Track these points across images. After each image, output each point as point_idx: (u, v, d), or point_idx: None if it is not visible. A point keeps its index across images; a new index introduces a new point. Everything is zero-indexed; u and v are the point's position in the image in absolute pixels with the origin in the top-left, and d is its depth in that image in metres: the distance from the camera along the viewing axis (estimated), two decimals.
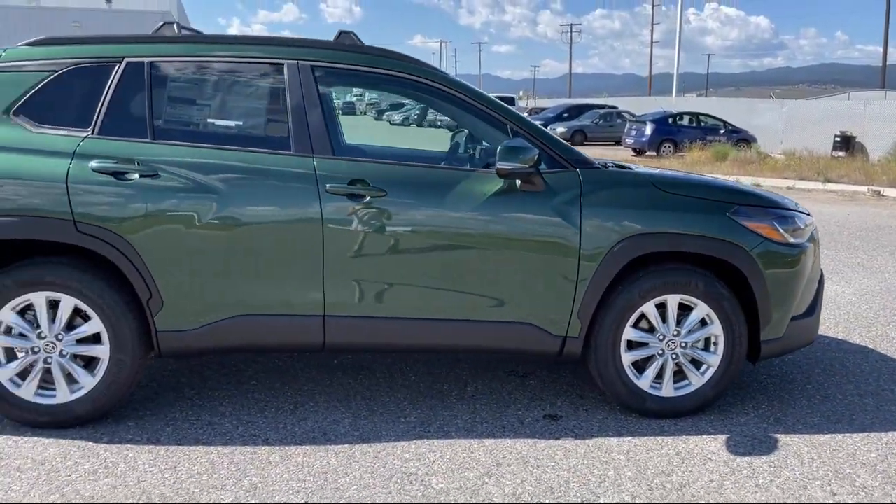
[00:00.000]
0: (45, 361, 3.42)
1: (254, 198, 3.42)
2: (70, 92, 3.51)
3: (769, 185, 15.08)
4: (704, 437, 3.56)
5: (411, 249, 3.52)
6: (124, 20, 42.31)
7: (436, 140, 4.67)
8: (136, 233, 3.35)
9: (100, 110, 3.44)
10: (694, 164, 20.15)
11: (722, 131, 24.73)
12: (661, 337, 3.69)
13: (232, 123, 3.56)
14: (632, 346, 3.69)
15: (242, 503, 2.91)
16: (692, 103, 30.55)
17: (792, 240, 3.73)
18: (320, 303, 3.49)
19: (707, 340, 3.74)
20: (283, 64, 3.57)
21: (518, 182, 3.51)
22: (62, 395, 3.44)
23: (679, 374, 3.75)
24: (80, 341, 3.44)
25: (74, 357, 3.45)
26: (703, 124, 25.17)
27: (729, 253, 3.61)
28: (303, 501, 2.93)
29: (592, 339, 3.65)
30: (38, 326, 3.41)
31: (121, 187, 3.35)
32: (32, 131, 3.40)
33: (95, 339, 3.45)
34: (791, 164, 19.08)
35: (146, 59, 3.52)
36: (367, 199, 3.45)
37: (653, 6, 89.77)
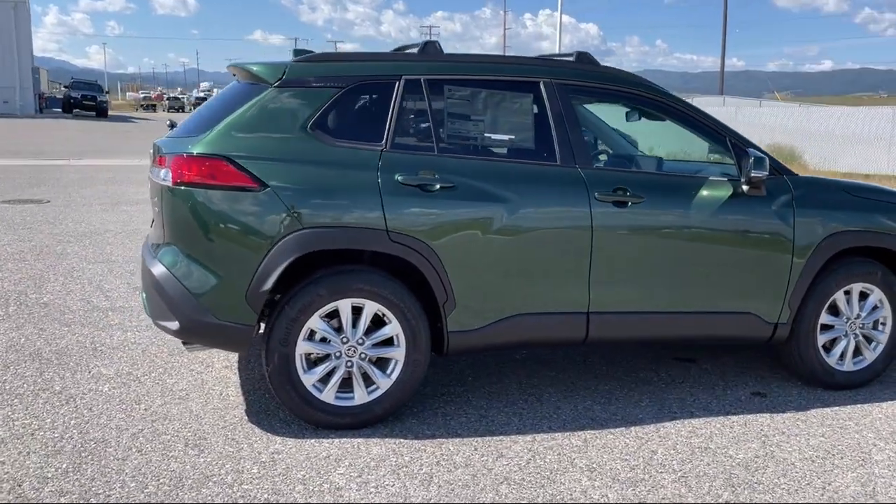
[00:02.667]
0: (346, 365, 3.55)
1: (535, 206, 3.70)
2: (358, 108, 3.66)
3: None
4: (890, 402, 4.21)
5: (663, 249, 3.92)
6: None
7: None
8: (439, 240, 3.55)
9: (389, 125, 3.60)
10: None
11: None
12: (846, 319, 4.32)
13: (504, 137, 3.81)
14: (823, 328, 4.29)
15: (597, 482, 3.22)
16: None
17: None
18: (585, 301, 3.82)
19: (876, 321, 4.40)
20: (538, 83, 3.87)
21: (746, 188, 4.01)
22: (360, 396, 3.58)
23: (854, 352, 4.39)
24: (377, 344, 3.59)
25: (370, 359, 3.60)
26: None
27: None
28: (644, 475, 3.28)
29: (797, 324, 4.21)
30: (342, 332, 3.53)
31: (425, 198, 3.54)
32: (332, 146, 3.52)
33: (388, 341, 3.61)
34: None
35: (422, 77, 3.71)
36: (629, 204, 3.83)
37: (504, 11, 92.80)
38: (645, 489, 3.16)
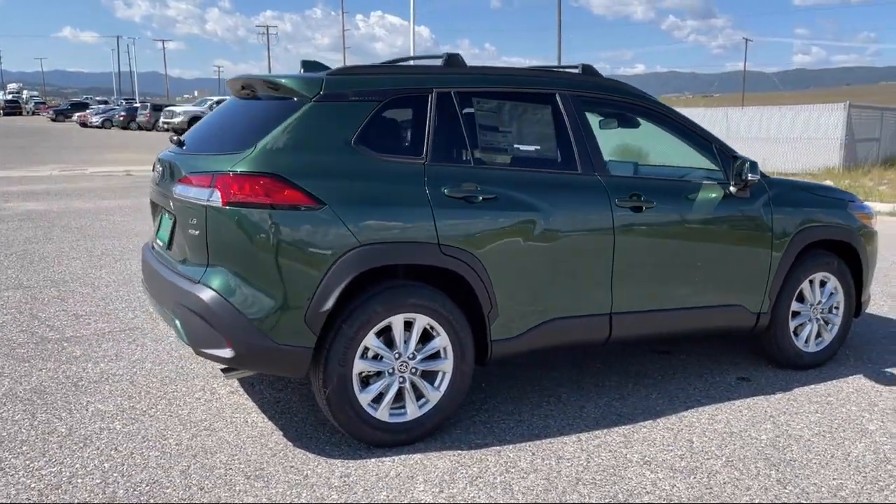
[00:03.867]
0: (399, 381, 3.52)
1: (567, 214, 3.82)
2: (396, 122, 3.63)
3: None
4: (855, 377, 4.71)
5: (671, 250, 4.17)
6: None
7: None
8: (484, 250, 3.59)
9: (427, 138, 3.60)
10: None
11: None
12: (810, 306, 4.79)
13: (531, 148, 3.91)
14: (793, 315, 4.74)
15: (660, 474, 3.40)
16: None
17: (874, 225, 5.05)
18: (609, 302, 4.01)
19: (832, 306, 4.91)
20: (555, 94, 4.01)
21: (734, 189, 4.35)
22: (412, 411, 3.56)
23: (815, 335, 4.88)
24: (425, 358, 3.59)
25: (419, 374, 3.58)
26: None
27: (851, 236, 4.81)
28: (696, 462, 3.50)
29: (775, 312, 4.61)
30: (394, 347, 3.50)
31: (471, 210, 3.57)
32: (378, 160, 3.47)
33: (435, 354, 3.61)
34: None
35: (451, 90, 3.74)
36: (643, 209, 4.05)
37: (342, 12, 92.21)
38: (705, 476, 3.38)
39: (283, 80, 3.57)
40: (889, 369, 4.88)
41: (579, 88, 4.10)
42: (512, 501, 3.11)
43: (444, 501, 3.09)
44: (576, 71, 4.25)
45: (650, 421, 3.97)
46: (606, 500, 3.14)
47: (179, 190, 3.45)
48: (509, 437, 3.72)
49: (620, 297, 4.03)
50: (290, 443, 3.58)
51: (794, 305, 4.72)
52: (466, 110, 3.76)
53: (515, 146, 3.89)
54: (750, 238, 4.42)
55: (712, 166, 4.48)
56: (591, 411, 4.07)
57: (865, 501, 3.20)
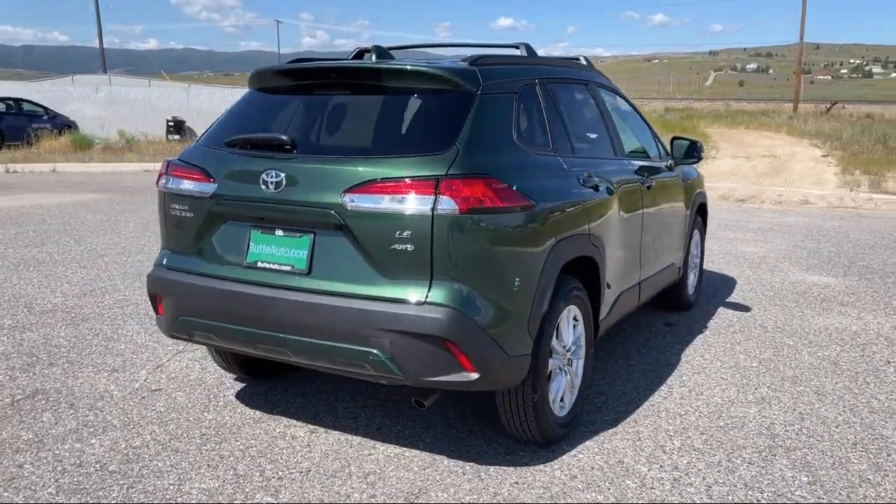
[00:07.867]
0: (565, 374, 3.55)
1: (626, 195, 4.14)
2: (525, 114, 3.53)
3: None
4: (723, 310, 5.95)
5: (659, 220, 4.77)
6: None
7: None
8: (603, 235, 3.75)
9: (548, 130, 3.61)
10: (54, 152, 19.58)
11: (45, 118, 23.83)
12: (693, 256, 5.88)
13: (593, 135, 4.12)
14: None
15: (750, 409, 4.05)
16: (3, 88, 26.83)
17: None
18: (639, 272, 4.47)
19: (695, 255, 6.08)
20: (587, 84, 4.29)
21: (671, 163, 5.14)
22: (569, 401, 3.62)
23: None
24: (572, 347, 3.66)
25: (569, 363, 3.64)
26: (24, 111, 23.70)
27: (706, 198, 6.01)
28: (752, 395, 4.23)
29: (684, 266, 5.57)
30: (562, 341, 3.50)
31: (596, 197, 3.70)
32: (533, 154, 3.40)
33: (576, 342, 3.69)
34: (159, 149, 20.33)
35: (545, 81, 3.77)
36: (650, 186, 4.57)
37: None
38: (775, 402, 4.10)
39: (443, 72, 3.20)
40: (731, 300, 6.24)
41: (595, 79, 4.44)
42: (694, 459, 3.41)
43: (671, 473, 3.27)
44: (584, 62, 4.54)
45: (673, 372, 4.55)
46: (753, 436, 3.65)
47: (367, 200, 2.92)
48: (610, 411, 3.94)
49: (644, 266, 4.53)
50: (472, 465, 3.32)
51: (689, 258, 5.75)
52: (557, 100, 3.83)
53: (586, 134, 4.09)
54: (680, 203, 5.28)
55: (641, 146, 5.18)
56: (617, 373, 4.49)
57: (868, 396, 4.26)
